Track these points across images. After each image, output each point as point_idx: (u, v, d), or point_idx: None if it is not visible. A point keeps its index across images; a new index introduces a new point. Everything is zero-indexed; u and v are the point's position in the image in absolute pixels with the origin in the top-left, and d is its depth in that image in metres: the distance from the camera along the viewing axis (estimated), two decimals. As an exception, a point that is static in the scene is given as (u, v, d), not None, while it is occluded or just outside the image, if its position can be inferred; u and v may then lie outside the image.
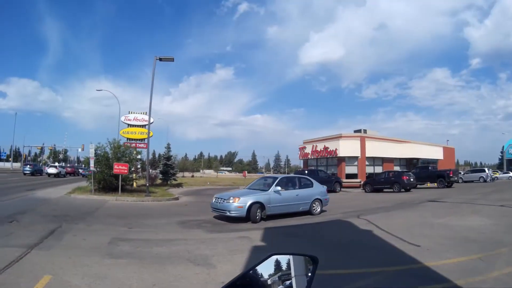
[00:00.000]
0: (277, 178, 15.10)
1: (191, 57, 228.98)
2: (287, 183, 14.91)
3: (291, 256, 1.69)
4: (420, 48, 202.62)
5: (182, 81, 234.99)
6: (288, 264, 1.67)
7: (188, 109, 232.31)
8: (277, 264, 1.67)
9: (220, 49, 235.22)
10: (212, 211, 13.80)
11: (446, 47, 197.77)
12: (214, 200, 13.83)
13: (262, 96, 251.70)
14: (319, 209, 15.37)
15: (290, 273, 1.65)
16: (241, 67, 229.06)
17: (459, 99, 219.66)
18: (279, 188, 13.92)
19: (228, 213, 12.79)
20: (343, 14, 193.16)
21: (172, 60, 24.66)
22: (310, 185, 15.68)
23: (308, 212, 14.90)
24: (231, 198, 12.94)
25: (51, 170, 51.44)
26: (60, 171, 51.90)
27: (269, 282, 1.61)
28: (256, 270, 1.64)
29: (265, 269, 1.65)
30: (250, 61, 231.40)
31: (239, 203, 12.71)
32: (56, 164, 70.84)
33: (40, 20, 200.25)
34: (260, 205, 13.05)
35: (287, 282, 1.62)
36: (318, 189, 15.82)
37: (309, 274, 1.69)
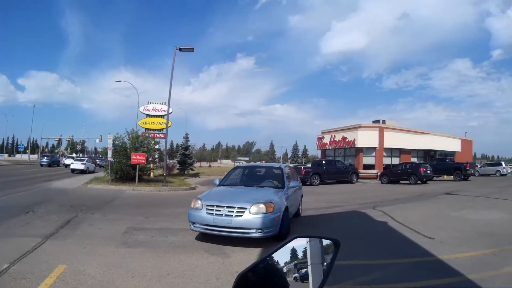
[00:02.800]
0: (281, 168, 10.53)
1: (213, 47, 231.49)
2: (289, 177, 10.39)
3: (308, 242, 1.66)
4: (441, 38, 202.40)
5: (203, 71, 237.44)
6: (305, 251, 1.63)
7: (208, 99, 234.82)
8: (293, 251, 1.63)
9: (241, 38, 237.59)
10: (201, 229, 7.99)
11: (468, 38, 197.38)
12: (206, 210, 7.82)
13: (283, 86, 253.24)
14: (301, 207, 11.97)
15: (307, 261, 1.61)
16: (262, 56, 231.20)
17: (479, 91, 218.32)
18: (294, 183, 10.00)
19: (255, 234, 7.43)
20: (366, 3, 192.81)
21: (192, 50, 24.73)
22: (295, 177, 11.93)
23: (296, 214, 11.12)
24: (261, 205, 7.57)
25: (68, 161, 52.19)
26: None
27: (284, 270, 1.58)
28: (278, 252, 1.60)
29: (288, 251, 1.62)
30: (271, 50, 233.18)
31: (274, 213, 7.68)
32: (74, 155, 72.29)
33: (60, 13, 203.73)
34: (286, 211, 8.46)
35: (303, 271, 1.58)
36: (299, 182, 12.37)
37: (329, 259, 1.65)
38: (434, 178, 34.04)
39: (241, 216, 7.46)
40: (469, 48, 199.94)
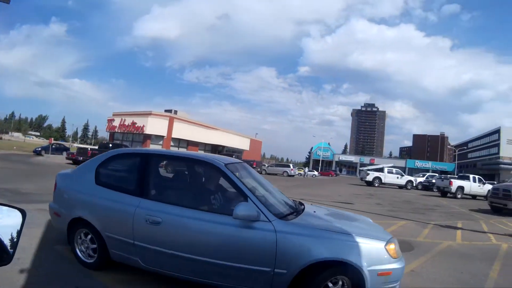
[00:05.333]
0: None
1: (30, 4, 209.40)
2: None
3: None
4: (255, 44, 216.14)
5: (14, 29, 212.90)
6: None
7: (11, 61, 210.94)
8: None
9: (61, 1, 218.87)
10: None
11: (280, 50, 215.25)
12: None
13: (87, 60, 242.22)
14: None
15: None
16: (76, 25, 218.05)
17: (279, 99, 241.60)
18: None
19: None
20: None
21: (7, 2, 21.69)
22: None
23: None
24: None
25: None
26: None
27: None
28: None
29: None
30: (87, 21, 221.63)
31: None
32: None
33: None
34: None
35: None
36: None
37: (18, 228, 1.62)
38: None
39: None
40: (279, 59, 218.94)
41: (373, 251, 4.13)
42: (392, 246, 4.27)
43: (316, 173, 72.11)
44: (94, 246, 4.90)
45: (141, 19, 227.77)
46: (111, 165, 5.37)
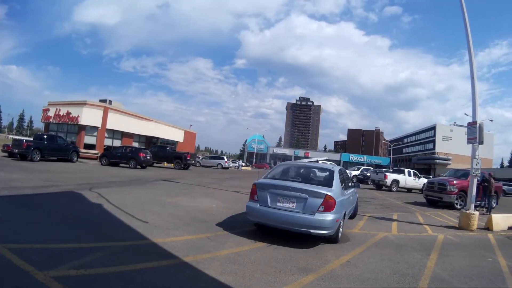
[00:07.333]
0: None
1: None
2: None
3: None
4: (192, 35, 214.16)
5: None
6: None
7: None
8: None
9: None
10: None
11: (218, 42, 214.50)
12: None
13: (25, 46, 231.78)
14: None
15: None
16: (16, 7, 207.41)
17: (214, 90, 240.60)
18: None
19: None
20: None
21: None
22: None
23: None
24: None
25: None
26: None
27: None
28: None
29: None
30: (27, 3, 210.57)
31: None
32: None
33: None
34: None
35: None
36: None
37: None
38: (155, 165, 36.24)
39: None
40: (216, 51, 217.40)
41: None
42: None
43: (241, 163, 74.58)
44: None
45: (83, 3, 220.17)
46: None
